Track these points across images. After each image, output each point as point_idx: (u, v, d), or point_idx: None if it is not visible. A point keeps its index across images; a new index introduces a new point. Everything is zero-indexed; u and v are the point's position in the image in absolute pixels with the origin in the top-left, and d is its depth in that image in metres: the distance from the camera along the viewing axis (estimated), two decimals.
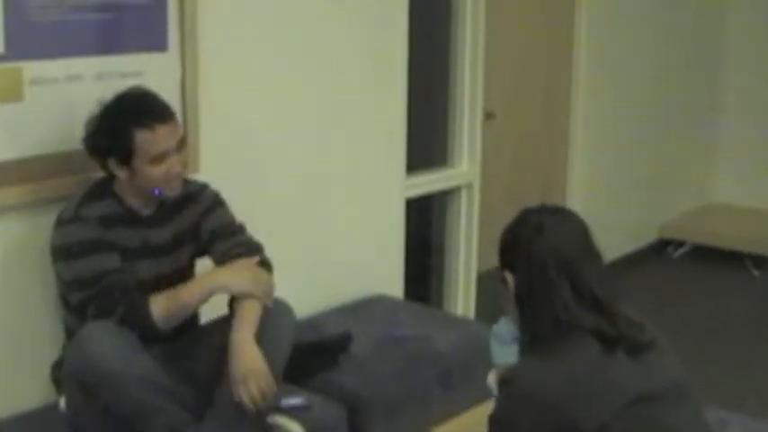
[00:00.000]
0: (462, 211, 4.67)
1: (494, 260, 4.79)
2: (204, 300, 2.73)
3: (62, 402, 2.77)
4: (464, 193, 4.65)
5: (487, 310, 4.78)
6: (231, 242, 2.89)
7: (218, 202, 2.95)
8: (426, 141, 4.59)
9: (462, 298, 4.74)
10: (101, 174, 2.83)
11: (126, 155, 2.68)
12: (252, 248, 2.89)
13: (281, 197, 3.62)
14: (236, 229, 2.93)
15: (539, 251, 2.05)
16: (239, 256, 2.82)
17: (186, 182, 2.87)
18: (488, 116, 4.72)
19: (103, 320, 2.57)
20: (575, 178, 5.42)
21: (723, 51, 6.52)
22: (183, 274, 2.88)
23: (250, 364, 2.63)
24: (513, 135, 4.99)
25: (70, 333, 2.78)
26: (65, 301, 2.78)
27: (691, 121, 6.39)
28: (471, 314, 4.75)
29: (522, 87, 5.04)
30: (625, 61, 5.62)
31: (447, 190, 4.63)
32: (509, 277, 2.10)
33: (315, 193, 3.81)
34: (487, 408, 3.56)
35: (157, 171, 2.70)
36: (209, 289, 2.72)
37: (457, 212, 4.68)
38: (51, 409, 2.87)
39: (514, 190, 5.08)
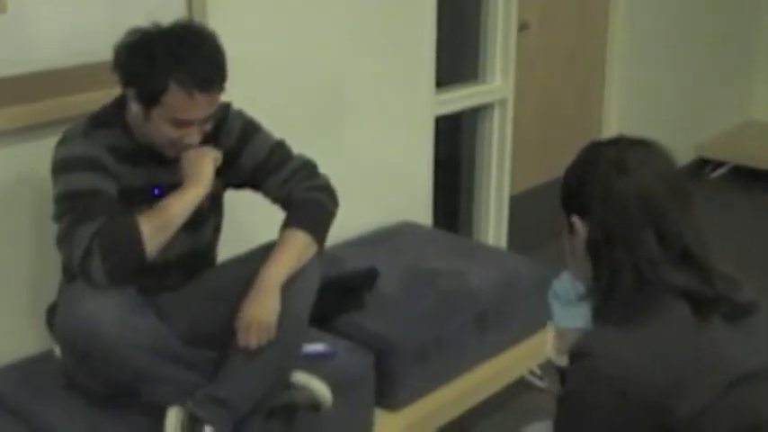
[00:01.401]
0: (494, 130, 4.32)
1: (527, 182, 4.60)
2: (189, 213, 2.36)
3: (56, 349, 2.49)
4: (497, 110, 4.29)
5: (521, 236, 4.50)
6: (283, 174, 2.54)
7: (249, 128, 2.56)
8: (455, 54, 4.22)
9: (494, 224, 4.42)
10: (96, 97, 2.49)
11: (149, 100, 2.29)
12: (311, 174, 2.58)
13: (300, 116, 3.28)
14: (283, 154, 2.58)
15: (619, 191, 1.68)
16: (301, 185, 2.54)
17: None
18: (522, 27, 4.34)
19: (81, 228, 2.19)
20: (612, 94, 5.06)
21: None
22: (203, 217, 2.51)
23: (261, 314, 2.32)
24: (548, 47, 4.61)
25: (67, 272, 2.47)
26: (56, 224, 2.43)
27: (729, 35, 6.04)
28: (503, 240, 4.44)
29: None
30: None
31: (478, 107, 4.27)
32: (578, 224, 1.75)
33: (336, 111, 3.47)
34: (522, 351, 3.35)
35: (171, 133, 2.32)
36: (195, 200, 2.36)
37: (488, 131, 4.33)
38: (48, 355, 2.59)
39: (549, 106, 4.72)
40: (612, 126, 5.10)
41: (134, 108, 2.34)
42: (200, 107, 2.30)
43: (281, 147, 2.60)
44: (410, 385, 2.90)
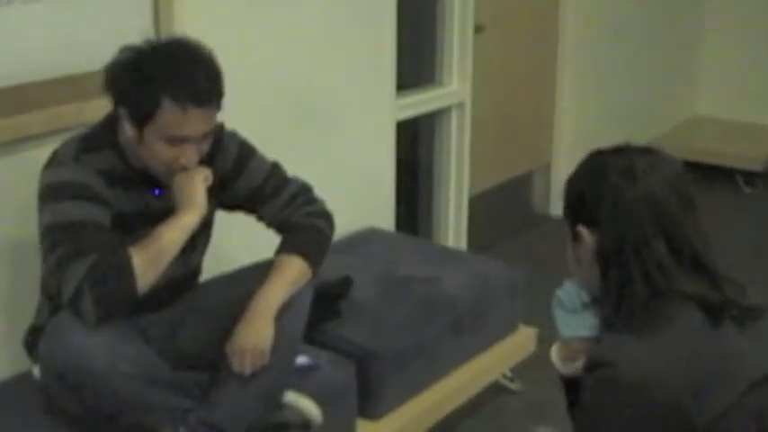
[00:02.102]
0: (453, 133, 4.33)
1: (485, 183, 4.61)
2: (184, 241, 2.28)
3: (35, 370, 2.41)
4: (454, 114, 4.30)
5: (479, 236, 4.51)
6: (281, 200, 2.51)
7: (244, 152, 2.50)
8: (412, 58, 4.21)
9: (453, 225, 4.43)
10: (65, 111, 2.46)
11: (142, 119, 2.21)
12: (309, 199, 2.56)
13: (263, 124, 3.23)
14: (279, 178, 2.54)
15: (631, 200, 1.69)
16: (300, 211, 2.52)
17: None
18: (477, 30, 4.35)
19: (72, 264, 2.11)
20: (564, 94, 5.11)
21: None
22: (194, 241, 2.42)
23: (256, 340, 2.29)
24: (502, 49, 4.63)
25: (47, 292, 2.41)
26: (44, 258, 2.32)
27: (675, 34, 6.15)
28: (463, 241, 4.45)
29: None
30: None
31: (436, 111, 4.27)
32: (585, 233, 1.75)
33: (300, 119, 3.45)
34: (496, 354, 3.35)
35: (166, 153, 2.23)
36: (190, 226, 2.28)
37: (447, 134, 4.34)
38: (23, 379, 2.53)
39: (505, 107, 4.74)
40: (565, 126, 5.14)
41: (127, 130, 2.25)
42: (195, 123, 2.22)
43: (277, 170, 2.56)
44: (391, 393, 2.89)
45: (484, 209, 4.67)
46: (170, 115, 2.18)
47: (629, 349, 1.63)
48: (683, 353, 1.63)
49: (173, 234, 2.24)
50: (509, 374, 3.51)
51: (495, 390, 3.46)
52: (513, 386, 3.52)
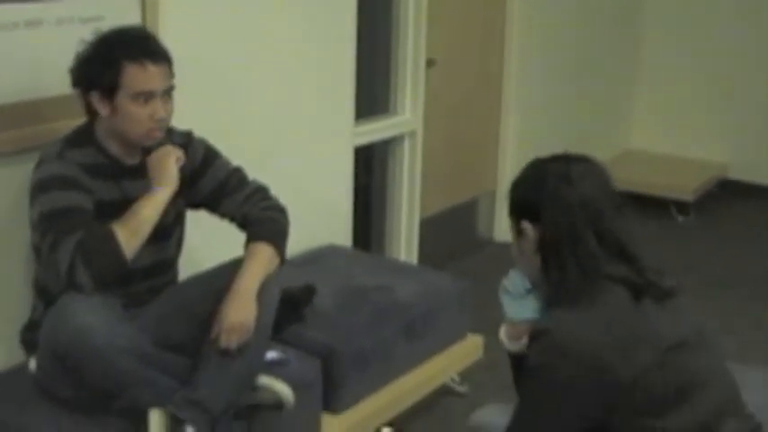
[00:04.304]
0: (405, 159, 4.64)
1: (432, 209, 4.91)
2: (159, 213, 2.59)
3: (32, 364, 2.66)
4: (407, 141, 4.61)
5: (427, 259, 4.79)
6: (241, 195, 2.82)
7: (210, 154, 2.84)
8: (367, 89, 4.52)
9: (405, 246, 4.72)
10: (66, 124, 2.70)
11: (111, 87, 2.54)
12: (265, 196, 2.86)
13: (228, 147, 3.51)
14: (240, 178, 2.86)
15: (566, 200, 2.00)
16: (257, 205, 2.81)
17: (169, 131, 2.75)
18: (429, 64, 4.67)
19: (63, 243, 2.40)
20: (508, 125, 5.44)
21: (644, 10, 6.72)
22: (168, 230, 2.75)
23: (243, 318, 2.58)
24: (451, 82, 4.96)
25: (41, 290, 2.67)
26: (36, 253, 2.63)
27: (611, 70, 6.52)
28: (414, 261, 4.73)
29: (460, 34, 5.00)
30: (554, 17, 5.68)
31: (390, 138, 4.58)
32: (528, 228, 2.06)
33: (263, 143, 3.72)
34: (445, 358, 3.65)
35: (141, 112, 2.56)
36: (164, 199, 2.60)
37: (399, 160, 4.64)
38: (17, 371, 2.77)
39: (453, 136, 5.06)
40: (509, 156, 5.46)
41: (102, 111, 2.57)
42: (154, 77, 2.56)
43: (238, 172, 2.87)
44: (351, 390, 3.16)
45: (431, 233, 4.97)
46: (133, 75, 2.54)
47: (563, 320, 1.95)
48: (611, 322, 1.95)
49: (149, 209, 2.56)
50: (457, 378, 3.80)
51: (443, 392, 3.75)
52: (460, 389, 3.80)
